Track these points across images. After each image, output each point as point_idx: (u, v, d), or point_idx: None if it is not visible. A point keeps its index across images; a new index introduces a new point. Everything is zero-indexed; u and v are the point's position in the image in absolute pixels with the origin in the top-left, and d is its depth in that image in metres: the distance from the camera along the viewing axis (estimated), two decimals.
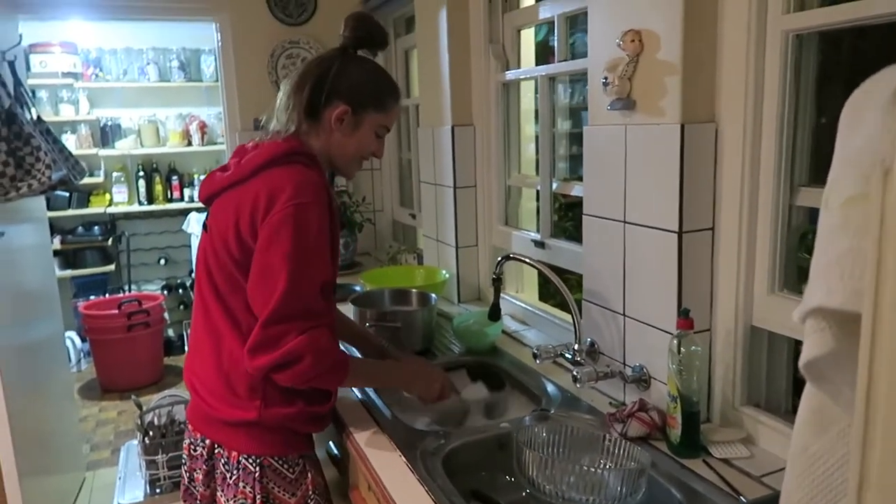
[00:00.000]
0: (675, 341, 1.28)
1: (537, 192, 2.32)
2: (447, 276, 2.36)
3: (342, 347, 1.47)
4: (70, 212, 4.71)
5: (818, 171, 1.26)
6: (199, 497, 1.45)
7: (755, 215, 1.28)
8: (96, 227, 4.85)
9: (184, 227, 4.79)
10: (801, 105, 1.25)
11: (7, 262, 2.44)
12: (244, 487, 1.35)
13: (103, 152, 4.80)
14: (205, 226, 1.44)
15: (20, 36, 2.69)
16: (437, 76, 2.37)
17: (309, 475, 1.41)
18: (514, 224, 2.31)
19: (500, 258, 1.71)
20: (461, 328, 1.95)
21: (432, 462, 1.30)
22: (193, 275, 1.61)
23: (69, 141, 4.63)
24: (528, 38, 2.25)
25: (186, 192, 5.02)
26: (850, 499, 0.52)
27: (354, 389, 1.65)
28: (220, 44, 3.26)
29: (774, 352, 1.35)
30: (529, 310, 2.15)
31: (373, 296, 2.10)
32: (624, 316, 1.51)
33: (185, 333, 4.63)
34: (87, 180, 4.57)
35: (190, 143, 5.00)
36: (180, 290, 5.10)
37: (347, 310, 1.93)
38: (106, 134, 4.85)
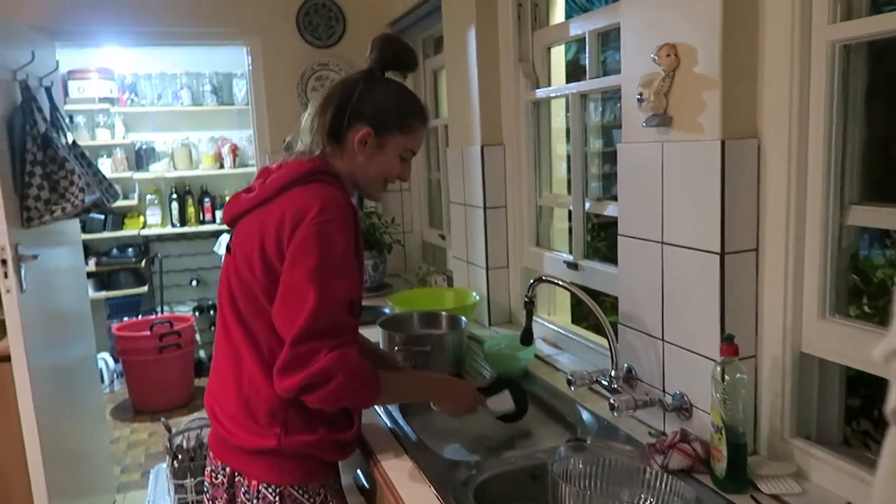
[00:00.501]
0: (718, 369, 1.22)
1: (569, 212, 2.28)
2: (477, 298, 2.31)
3: None
4: (105, 234, 4.79)
5: (870, 189, 1.19)
6: None
7: (803, 235, 1.22)
8: (130, 249, 4.92)
9: (215, 248, 4.83)
10: (850, 118, 1.18)
11: (42, 283, 2.47)
12: None
13: (137, 175, 4.89)
14: (228, 248, 1.42)
15: (57, 62, 2.75)
16: (466, 95, 2.34)
17: None
18: (546, 245, 2.26)
19: (532, 280, 1.66)
20: (492, 352, 1.90)
21: (463, 493, 1.25)
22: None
23: (105, 165, 4.74)
24: (559, 56, 2.22)
25: (218, 214, 5.07)
26: None
27: (382, 415, 1.61)
28: (250, 67, 3.29)
29: (825, 379, 1.28)
30: (562, 333, 2.09)
31: (401, 319, 2.06)
32: (663, 341, 1.44)
33: None
34: (121, 203, 4.69)
35: (222, 166, 5.06)
36: (211, 312, 5.13)
37: (375, 332, 1.90)
38: (140, 157, 4.94)
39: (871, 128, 1.21)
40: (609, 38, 1.90)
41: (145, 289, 4.96)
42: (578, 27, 1.94)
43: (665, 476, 1.20)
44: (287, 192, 1.32)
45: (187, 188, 5.06)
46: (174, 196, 5.01)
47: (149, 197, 4.96)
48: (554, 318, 2.26)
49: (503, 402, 1.58)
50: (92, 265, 4.70)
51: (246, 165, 5.03)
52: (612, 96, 1.95)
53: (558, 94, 2.10)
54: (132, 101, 4.89)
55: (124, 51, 4.70)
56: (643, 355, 1.51)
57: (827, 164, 1.17)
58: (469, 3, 2.25)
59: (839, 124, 1.17)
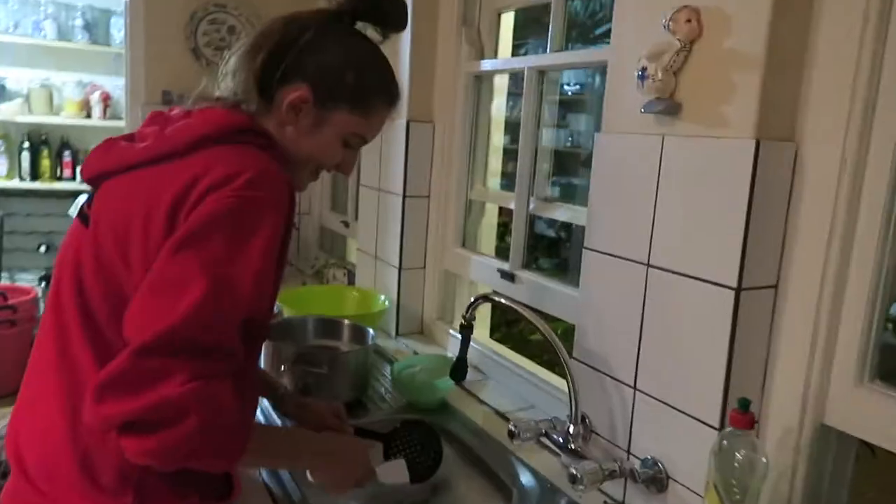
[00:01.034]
0: (724, 442, 0.91)
1: (500, 210, 1.95)
2: (386, 303, 1.93)
3: None
4: None
5: None
6: None
7: (845, 274, 0.93)
8: None
9: (70, 211, 4.13)
10: None
11: None
12: None
13: None
14: (83, 216, 0.95)
15: None
16: (394, 57, 1.94)
17: None
18: (473, 247, 1.91)
19: (473, 299, 1.28)
20: (404, 377, 1.52)
21: None
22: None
23: None
24: (508, 24, 1.87)
25: (79, 170, 4.36)
26: None
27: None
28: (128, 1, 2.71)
29: (840, 456, 1.01)
30: (485, 354, 1.75)
31: (293, 326, 1.63)
32: (634, 389, 1.13)
33: None
34: None
35: (89, 115, 4.35)
36: None
37: None
38: None
39: None
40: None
41: None
42: None
43: None
44: (201, 149, 0.89)
45: (44, 137, 4.31)
46: (26, 145, 4.25)
47: None
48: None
49: (398, 470, 1.17)
50: None
51: (118, 118, 4.34)
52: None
53: (509, 67, 1.75)
54: None
55: None
56: (602, 403, 1.19)
57: (892, 187, 0.89)
58: None
59: None
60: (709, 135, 0.99)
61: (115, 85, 4.46)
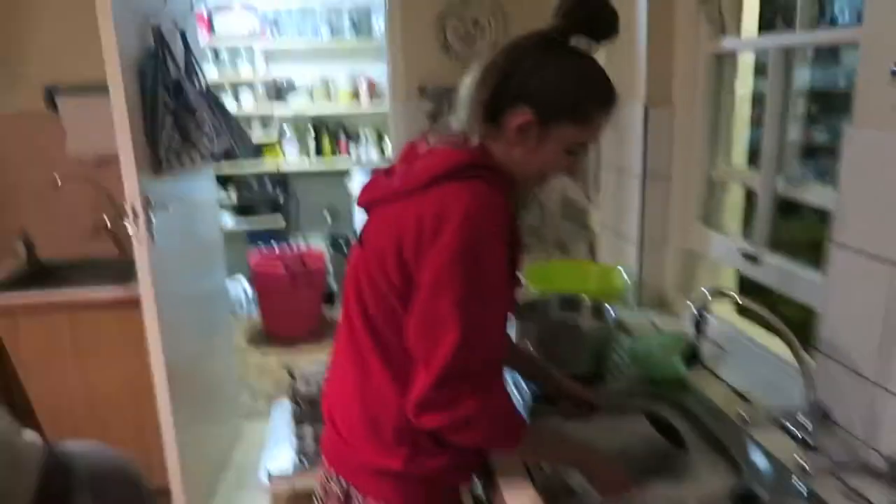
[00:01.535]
0: None
1: (747, 191, 1.90)
2: (628, 281, 2.02)
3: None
4: (246, 169, 4.98)
5: None
6: None
7: None
8: (268, 182, 5.10)
9: (349, 184, 4.87)
10: None
11: (174, 226, 2.42)
12: None
13: (278, 111, 4.95)
14: (359, 238, 1.23)
15: (192, 4, 2.65)
16: (629, 46, 1.98)
17: None
18: (715, 225, 1.91)
19: (706, 292, 1.33)
20: (641, 353, 1.62)
21: None
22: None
23: (247, 100, 4.83)
24: (753, 2, 1.79)
25: (353, 149, 5.11)
26: None
27: None
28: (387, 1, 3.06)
29: None
30: (727, 331, 1.76)
31: (538, 307, 1.80)
32: (885, 390, 1.11)
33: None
34: (260, 137, 4.82)
35: (358, 98, 5.03)
36: (344, 249, 5.24)
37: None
38: (280, 92, 5.00)
39: None
40: None
41: (283, 224, 5.13)
42: None
43: None
44: (437, 186, 1.08)
45: (324, 124, 5.11)
46: (311, 134, 5.10)
47: (287, 132, 5.04)
48: (715, 308, 1.92)
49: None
50: (234, 198, 4.96)
51: (382, 103, 4.93)
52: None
53: (751, 47, 1.70)
54: (273, 35, 4.91)
55: None
56: (847, 398, 1.19)
57: None
58: None
59: None
60: None
61: (380, 72, 5.04)
